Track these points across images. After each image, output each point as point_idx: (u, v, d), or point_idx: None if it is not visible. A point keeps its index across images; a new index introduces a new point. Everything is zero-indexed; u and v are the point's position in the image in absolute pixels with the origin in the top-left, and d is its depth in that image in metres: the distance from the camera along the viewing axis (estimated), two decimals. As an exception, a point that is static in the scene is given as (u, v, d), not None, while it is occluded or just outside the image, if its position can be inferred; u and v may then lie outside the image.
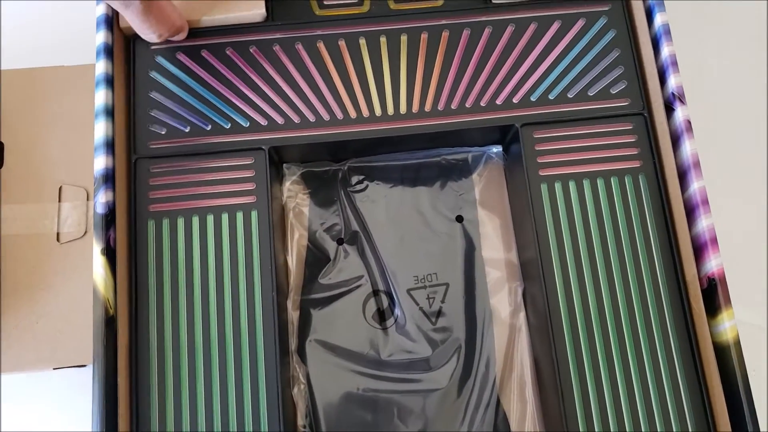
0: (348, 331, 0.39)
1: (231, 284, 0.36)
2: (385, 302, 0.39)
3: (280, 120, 0.38)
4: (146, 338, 0.35)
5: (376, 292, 0.39)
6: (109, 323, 0.33)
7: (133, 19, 0.36)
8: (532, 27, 0.39)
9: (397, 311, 0.39)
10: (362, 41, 0.39)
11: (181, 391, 0.34)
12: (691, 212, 0.36)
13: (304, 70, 0.39)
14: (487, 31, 0.39)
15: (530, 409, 0.38)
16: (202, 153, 0.37)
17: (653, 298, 0.35)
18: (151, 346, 0.35)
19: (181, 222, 0.36)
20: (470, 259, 0.40)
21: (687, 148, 0.36)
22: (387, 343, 0.38)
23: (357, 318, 0.39)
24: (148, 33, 0.37)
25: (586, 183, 0.37)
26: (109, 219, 0.35)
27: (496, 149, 0.41)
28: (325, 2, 0.40)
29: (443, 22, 0.39)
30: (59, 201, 0.43)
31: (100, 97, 0.36)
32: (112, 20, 0.38)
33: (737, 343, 0.33)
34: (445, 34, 0.39)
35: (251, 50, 0.39)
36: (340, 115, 0.38)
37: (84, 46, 0.43)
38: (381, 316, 0.39)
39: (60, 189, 0.43)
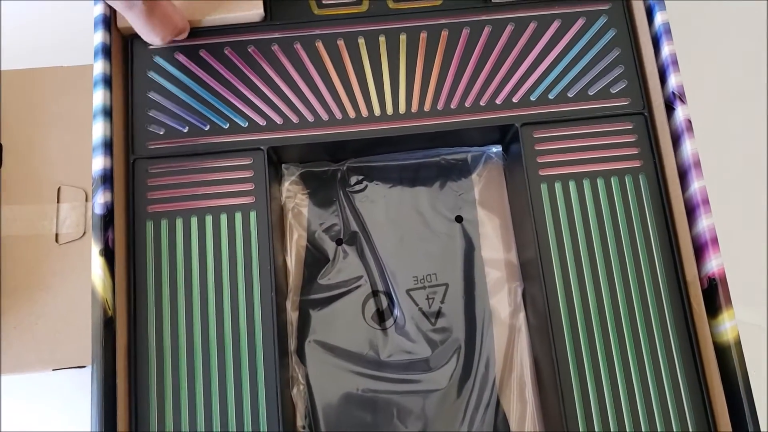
0: (347, 331, 0.38)
1: (230, 285, 0.35)
2: (385, 303, 0.39)
3: (278, 120, 0.38)
4: (145, 339, 0.35)
5: (375, 293, 0.39)
6: (108, 324, 0.33)
7: (136, 22, 0.35)
8: (532, 26, 0.39)
9: (396, 312, 0.39)
10: (361, 41, 0.39)
11: (180, 392, 0.34)
12: (691, 212, 0.36)
13: (302, 69, 0.39)
14: (486, 31, 0.39)
15: (530, 409, 0.37)
16: (201, 153, 0.37)
17: (653, 298, 0.35)
18: (150, 347, 0.35)
19: (179, 223, 0.36)
20: (470, 260, 0.40)
21: (687, 147, 0.36)
22: (386, 344, 0.38)
23: (356, 319, 0.39)
24: (151, 36, 0.36)
25: (586, 183, 0.37)
26: (107, 220, 0.35)
27: (496, 149, 0.41)
28: (323, 2, 0.40)
29: (442, 21, 0.39)
30: (58, 202, 0.43)
31: (98, 97, 0.36)
32: (109, 20, 0.37)
33: (738, 344, 0.33)
34: (445, 34, 0.39)
35: (250, 50, 0.39)
36: (339, 115, 0.38)
37: (84, 46, 0.43)
38: (380, 316, 0.39)
39: (59, 190, 0.43)
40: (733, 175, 0.48)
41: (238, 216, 0.36)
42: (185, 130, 0.38)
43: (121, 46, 0.39)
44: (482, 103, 0.38)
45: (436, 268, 0.40)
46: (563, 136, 0.38)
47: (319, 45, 0.39)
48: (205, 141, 0.37)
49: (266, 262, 0.36)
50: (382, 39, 0.39)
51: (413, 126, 0.38)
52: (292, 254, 0.40)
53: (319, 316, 0.39)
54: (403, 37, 0.39)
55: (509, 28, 0.39)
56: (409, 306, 0.39)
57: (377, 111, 0.38)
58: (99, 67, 0.36)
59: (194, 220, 0.36)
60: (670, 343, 0.35)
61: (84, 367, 0.41)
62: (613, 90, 0.38)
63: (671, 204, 0.37)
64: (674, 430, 0.34)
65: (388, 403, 0.37)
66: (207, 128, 0.38)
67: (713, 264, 0.34)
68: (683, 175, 0.36)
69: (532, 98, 0.38)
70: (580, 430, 0.33)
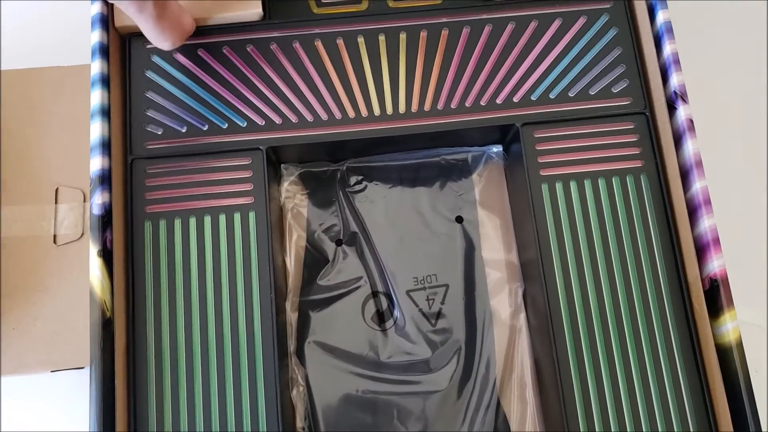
0: (347, 332, 0.38)
1: (229, 286, 0.35)
2: (385, 304, 0.39)
3: (277, 120, 0.38)
4: (143, 340, 0.35)
5: (375, 294, 0.39)
6: (106, 325, 0.33)
7: (145, 25, 0.34)
8: (533, 25, 0.39)
9: (396, 313, 0.39)
10: (360, 40, 0.39)
11: (179, 394, 0.34)
12: (693, 212, 0.35)
13: (301, 69, 0.38)
14: (487, 30, 0.39)
15: (531, 410, 0.37)
16: (199, 153, 0.37)
17: (655, 299, 0.35)
18: (149, 348, 0.34)
19: (178, 223, 0.36)
20: (470, 260, 0.40)
21: (689, 147, 0.35)
22: (386, 345, 0.38)
23: (356, 319, 0.39)
24: (160, 39, 0.36)
25: (587, 183, 0.37)
26: (105, 220, 0.34)
27: (496, 149, 0.41)
28: (322, 1, 0.40)
29: (443, 20, 0.39)
30: (56, 203, 0.43)
31: (96, 97, 0.36)
32: (107, 19, 0.37)
33: (740, 345, 0.33)
34: (445, 33, 0.39)
35: (248, 49, 0.39)
36: (338, 115, 0.38)
37: (83, 46, 0.43)
38: (380, 317, 0.39)
39: (57, 190, 0.43)
40: (733, 175, 0.47)
41: (237, 216, 0.36)
42: (184, 130, 0.37)
43: (119, 46, 0.39)
44: (482, 102, 0.38)
45: (436, 269, 0.39)
46: (564, 136, 0.37)
47: (319, 44, 0.39)
48: (204, 141, 0.37)
49: (265, 262, 0.35)
50: (381, 38, 0.39)
51: (413, 126, 0.38)
52: (292, 255, 0.40)
53: (319, 317, 0.39)
54: (402, 36, 0.39)
55: (510, 27, 0.39)
56: (409, 307, 0.39)
57: (377, 111, 0.38)
58: (96, 66, 0.36)
59: (193, 221, 0.36)
60: (671, 343, 0.34)
61: (83, 368, 0.41)
62: (615, 89, 0.38)
63: (673, 204, 0.36)
64: (675, 430, 0.33)
65: (388, 405, 0.37)
66: (205, 128, 0.37)
67: (715, 265, 0.34)
68: (685, 175, 0.36)
69: (533, 98, 0.38)
70: (581, 431, 0.33)
